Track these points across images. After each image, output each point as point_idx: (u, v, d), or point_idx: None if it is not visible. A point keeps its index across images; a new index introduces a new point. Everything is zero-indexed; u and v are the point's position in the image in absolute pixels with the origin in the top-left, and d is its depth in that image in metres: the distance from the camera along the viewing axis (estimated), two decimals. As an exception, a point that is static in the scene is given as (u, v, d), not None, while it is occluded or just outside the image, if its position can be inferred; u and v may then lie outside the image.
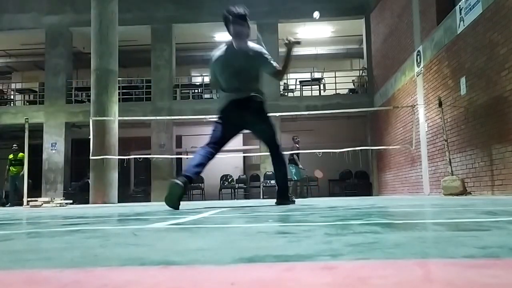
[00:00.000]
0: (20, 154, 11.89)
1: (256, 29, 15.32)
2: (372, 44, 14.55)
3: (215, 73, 4.05)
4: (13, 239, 1.41)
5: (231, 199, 14.78)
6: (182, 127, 16.61)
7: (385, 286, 0.54)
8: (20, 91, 17.73)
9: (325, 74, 16.07)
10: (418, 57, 9.83)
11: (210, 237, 1.24)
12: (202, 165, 3.73)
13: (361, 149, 10.67)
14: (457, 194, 6.61)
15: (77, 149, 16.27)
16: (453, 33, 7.86)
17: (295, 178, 11.39)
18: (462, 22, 7.49)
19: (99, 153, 10.09)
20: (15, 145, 12.29)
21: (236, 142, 17.47)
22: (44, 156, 15.10)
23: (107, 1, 11.55)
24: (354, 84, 16.40)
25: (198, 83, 17.63)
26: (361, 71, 16.26)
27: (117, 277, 0.66)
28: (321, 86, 15.82)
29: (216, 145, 3.87)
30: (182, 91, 16.10)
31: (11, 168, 12.10)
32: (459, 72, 7.68)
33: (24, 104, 17.25)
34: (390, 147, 11.46)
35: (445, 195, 6.86)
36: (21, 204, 9.84)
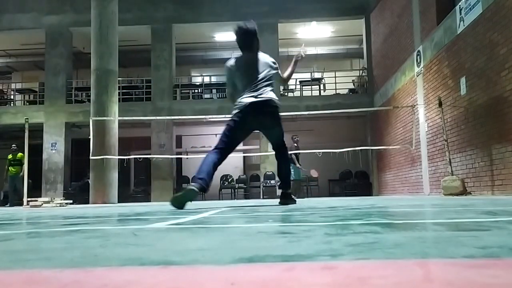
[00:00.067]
0: (19, 154, 11.88)
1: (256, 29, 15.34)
2: (372, 44, 14.55)
3: (233, 80, 4.11)
4: (13, 239, 1.41)
5: (231, 199, 14.77)
6: (182, 127, 16.61)
7: (385, 286, 0.54)
8: (20, 91, 17.73)
9: (325, 74, 16.07)
10: (418, 57, 9.83)
11: (210, 237, 1.24)
12: (213, 172, 3.80)
13: (361, 149, 10.67)
14: (457, 194, 6.61)
15: (77, 149, 16.28)
16: (453, 33, 7.86)
17: (294, 177, 11.39)
18: (462, 22, 7.49)
19: (99, 153, 10.09)
20: (14, 145, 12.28)
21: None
22: (44, 156, 15.10)
23: (107, 1, 11.55)
24: (354, 84, 16.40)
25: (198, 83, 17.64)
26: (361, 71, 16.27)
27: (117, 277, 0.66)
28: (321, 86, 15.83)
29: (227, 150, 3.91)
30: (182, 91, 16.10)
31: (10, 168, 12.09)
32: (459, 72, 7.68)
33: (24, 104, 17.26)
34: (390, 147, 11.46)
35: (445, 195, 6.86)
36: (21, 204, 9.84)
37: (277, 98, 4.11)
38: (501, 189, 6.29)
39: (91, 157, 9.81)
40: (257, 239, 1.14)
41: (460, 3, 7.56)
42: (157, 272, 0.67)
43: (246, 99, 3.91)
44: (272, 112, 4.00)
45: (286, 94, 16.12)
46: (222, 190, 15.40)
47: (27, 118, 9.72)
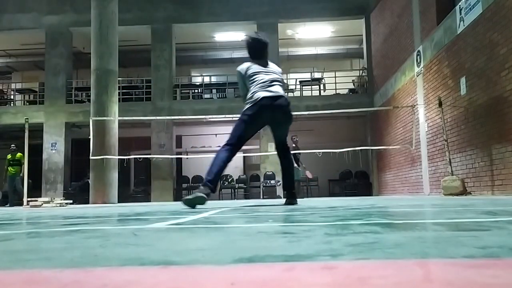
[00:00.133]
0: (18, 154, 11.88)
1: (256, 29, 15.35)
2: (372, 44, 14.56)
3: (245, 83, 4.20)
4: (13, 239, 1.41)
5: (231, 199, 14.78)
6: (182, 127, 16.61)
7: (385, 286, 0.54)
8: (20, 91, 17.73)
9: (325, 74, 16.07)
10: (418, 57, 9.83)
11: (210, 237, 1.24)
12: (222, 171, 3.87)
13: (361, 149, 10.66)
14: (457, 194, 6.61)
15: (77, 149, 16.28)
16: (453, 33, 7.86)
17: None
18: (462, 22, 7.49)
19: (99, 153, 10.09)
20: (13, 145, 12.27)
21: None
22: (44, 156, 15.10)
23: (107, 1, 11.55)
24: (354, 84, 16.40)
25: (198, 83, 17.64)
26: (361, 71, 16.27)
27: (117, 277, 0.66)
28: (321, 86, 15.83)
29: (238, 145, 3.99)
30: (182, 91, 16.10)
31: (9, 168, 12.08)
32: (459, 72, 7.68)
33: (24, 104, 17.26)
34: (390, 147, 11.46)
35: (445, 195, 6.87)
36: (21, 204, 9.84)
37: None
38: (501, 189, 6.29)
39: (91, 157, 9.81)
40: (257, 239, 1.14)
41: (460, 3, 7.56)
42: (157, 272, 0.67)
43: (260, 93, 4.01)
44: (284, 107, 4.10)
45: (286, 94, 16.11)
46: (222, 190, 15.40)
47: (27, 118, 9.72)
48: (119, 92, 12.71)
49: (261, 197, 14.51)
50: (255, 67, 4.22)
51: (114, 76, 11.47)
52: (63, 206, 8.49)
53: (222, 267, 0.72)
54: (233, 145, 3.95)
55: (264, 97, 3.99)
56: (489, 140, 6.66)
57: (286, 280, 0.60)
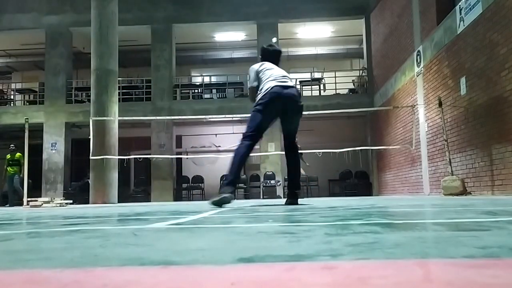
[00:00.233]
0: (17, 154, 11.87)
1: (256, 29, 15.36)
2: (372, 44, 14.55)
3: (258, 78, 4.32)
4: (13, 239, 1.41)
5: (231, 199, 14.73)
6: (182, 127, 16.61)
7: (385, 286, 0.54)
8: (20, 91, 17.73)
9: (325, 74, 16.07)
10: (418, 57, 9.83)
11: (210, 237, 1.24)
12: (243, 166, 4.05)
13: (361, 149, 10.66)
14: (457, 194, 6.61)
15: (77, 149, 16.28)
16: (453, 33, 7.86)
17: None
18: (462, 22, 7.49)
19: (99, 153, 10.09)
20: (12, 145, 12.25)
21: (236, 142, 17.47)
22: (44, 156, 15.10)
23: (107, 1, 11.54)
24: (354, 84, 16.40)
25: (198, 83, 17.64)
26: (361, 71, 16.27)
27: (117, 277, 0.66)
28: (321, 86, 15.83)
29: (257, 136, 4.10)
30: (182, 91, 16.10)
31: (8, 168, 12.07)
32: (459, 72, 7.68)
33: (24, 104, 17.25)
34: (390, 147, 11.46)
35: (445, 195, 6.86)
36: (21, 204, 9.83)
37: None
38: (501, 189, 6.29)
39: (91, 157, 9.81)
40: (257, 239, 1.14)
41: (460, 3, 7.56)
42: (157, 272, 0.67)
43: (271, 83, 4.14)
44: (296, 97, 4.19)
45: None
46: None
47: (27, 118, 9.72)
48: (119, 92, 12.71)
49: (261, 197, 14.51)
50: (269, 65, 4.42)
51: (114, 76, 11.47)
52: (63, 206, 8.49)
53: (222, 267, 0.72)
54: (252, 137, 4.05)
55: (275, 86, 4.11)
56: (489, 140, 6.66)
57: (286, 280, 0.60)
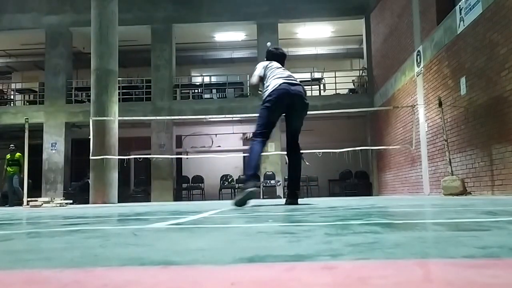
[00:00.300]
0: (17, 154, 11.86)
1: (256, 29, 15.36)
2: (372, 44, 14.55)
3: (270, 71, 4.39)
4: (13, 239, 1.41)
5: (231, 199, 14.74)
6: (182, 127, 16.61)
7: (385, 286, 0.54)
8: (20, 91, 17.73)
9: (325, 74, 16.07)
10: (418, 57, 9.83)
11: (210, 237, 1.24)
12: (260, 162, 4.16)
13: (361, 149, 10.66)
14: (457, 194, 6.61)
15: (77, 149, 16.27)
16: (453, 33, 7.86)
17: None
18: (462, 22, 7.49)
19: (99, 153, 10.09)
20: (12, 145, 12.24)
21: (236, 142, 17.50)
22: (44, 156, 15.10)
23: (107, 1, 11.54)
24: (354, 84, 16.39)
25: (198, 83, 17.64)
26: (361, 71, 16.26)
27: (117, 277, 0.66)
28: (321, 86, 15.83)
29: (267, 133, 4.16)
30: (182, 91, 16.10)
31: (8, 168, 12.06)
32: (459, 72, 7.68)
33: (24, 104, 17.26)
34: (390, 147, 11.46)
35: (445, 195, 6.86)
36: (21, 204, 9.83)
37: None
38: (501, 189, 6.29)
39: (91, 157, 9.81)
40: (257, 239, 1.14)
41: (460, 3, 7.56)
42: (157, 272, 0.67)
43: (278, 80, 4.21)
44: (302, 94, 4.25)
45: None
46: (222, 190, 15.41)
47: (27, 118, 9.72)
48: (119, 92, 12.71)
49: (261, 197, 14.51)
50: (276, 64, 4.52)
51: (114, 76, 11.47)
52: (63, 206, 8.50)
53: (222, 267, 0.72)
54: (263, 134, 4.10)
55: (283, 83, 4.18)
56: (489, 140, 6.66)
57: (286, 280, 0.60)
